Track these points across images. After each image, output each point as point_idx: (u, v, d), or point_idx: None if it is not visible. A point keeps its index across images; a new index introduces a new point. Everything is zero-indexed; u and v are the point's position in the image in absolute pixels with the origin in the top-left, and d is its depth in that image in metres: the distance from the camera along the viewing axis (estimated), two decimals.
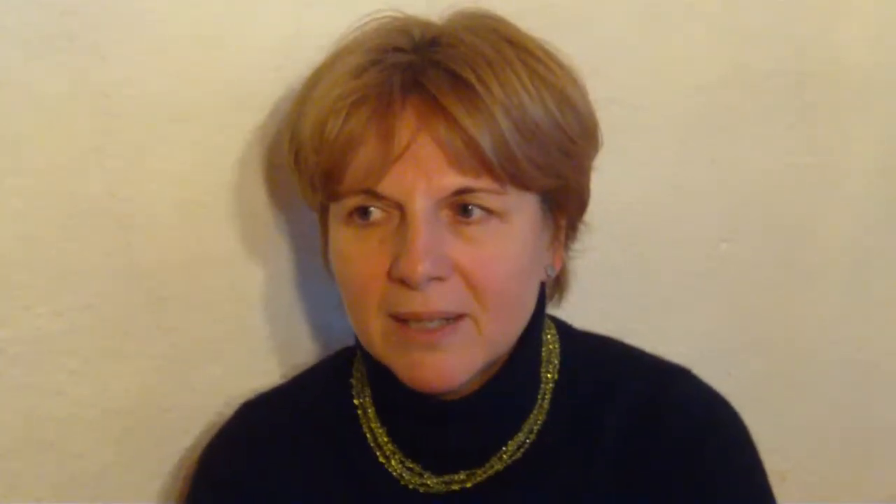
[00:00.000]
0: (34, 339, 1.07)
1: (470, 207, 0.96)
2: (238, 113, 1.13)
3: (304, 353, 1.25)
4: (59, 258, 1.07)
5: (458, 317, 0.97)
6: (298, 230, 1.18)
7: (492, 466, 1.05)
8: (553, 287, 1.13)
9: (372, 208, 0.96)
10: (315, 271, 1.19)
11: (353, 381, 1.12)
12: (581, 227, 1.11)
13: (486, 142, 0.93)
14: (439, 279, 0.95)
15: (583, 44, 1.18)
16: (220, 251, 1.16)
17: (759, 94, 1.36)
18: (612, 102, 1.16)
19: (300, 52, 1.11)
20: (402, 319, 0.97)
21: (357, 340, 1.06)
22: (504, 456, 1.05)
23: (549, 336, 1.10)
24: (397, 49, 0.98)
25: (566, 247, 1.10)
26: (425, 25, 1.02)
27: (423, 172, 0.94)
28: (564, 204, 1.05)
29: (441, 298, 0.95)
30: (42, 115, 1.03)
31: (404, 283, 0.94)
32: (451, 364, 0.97)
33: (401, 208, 0.95)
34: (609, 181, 1.14)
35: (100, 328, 1.11)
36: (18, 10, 0.99)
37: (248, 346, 1.21)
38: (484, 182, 0.95)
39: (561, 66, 1.01)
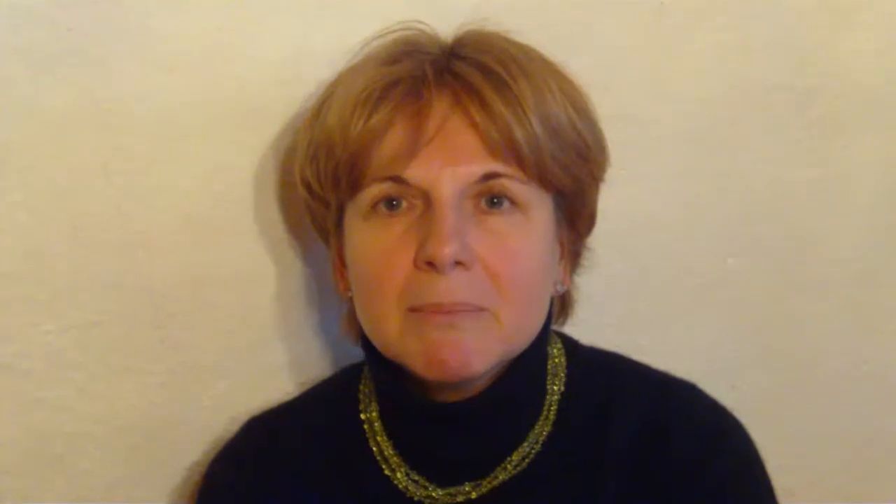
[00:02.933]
0: (42, 355, 1.08)
1: (497, 199, 0.97)
2: (245, 128, 1.13)
3: (312, 369, 1.25)
4: (67, 274, 1.08)
5: (479, 310, 0.96)
6: (307, 246, 1.18)
7: (496, 477, 1.04)
8: (559, 308, 1.14)
9: (395, 200, 0.97)
10: (323, 287, 1.20)
11: (359, 395, 1.12)
12: (585, 252, 1.12)
13: (518, 131, 0.95)
14: (463, 267, 0.95)
15: (589, 59, 1.19)
16: (228, 267, 1.16)
17: (765, 108, 1.36)
18: (618, 117, 1.16)
19: (308, 68, 1.12)
20: (421, 312, 0.97)
21: (366, 351, 1.06)
22: (509, 466, 1.04)
23: (555, 350, 1.11)
24: (424, 48, 1.01)
25: (572, 269, 1.11)
26: (444, 39, 1.05)
27: (452, 158, 0.95)
28: (575, 216, 1.06)
29: (464, 288, 0.95)
30: (49, 130, 1.04)
31: (430, 266, 0.94)
32: (469, 346, 0.96)
33: (426, 198, 0.96)
34: (615, 195, 1.14)
35: (107, 344, 1.12)
36: (25, 27, 1.00)
37: (255, 363, 1.21)
38: (512, 170, 0.96)
39: (573, 82, 1.04)
